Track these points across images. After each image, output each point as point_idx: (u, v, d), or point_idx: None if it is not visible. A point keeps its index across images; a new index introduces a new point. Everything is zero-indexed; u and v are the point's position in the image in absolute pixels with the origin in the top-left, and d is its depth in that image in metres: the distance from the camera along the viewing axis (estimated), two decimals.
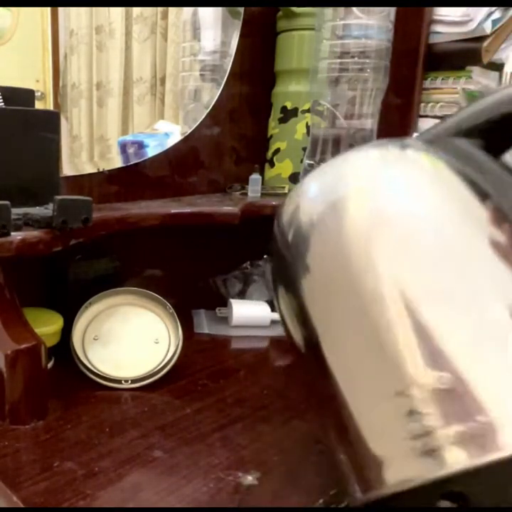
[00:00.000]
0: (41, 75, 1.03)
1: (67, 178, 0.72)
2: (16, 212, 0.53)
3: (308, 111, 0.86)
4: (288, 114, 0.88)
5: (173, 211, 0.70)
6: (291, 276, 0.37)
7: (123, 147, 0.92)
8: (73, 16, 1.05)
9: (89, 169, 1.05)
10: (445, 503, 0.26)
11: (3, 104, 0.59)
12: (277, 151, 0.90)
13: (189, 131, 0.85)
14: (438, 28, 0.81)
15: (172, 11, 1.03)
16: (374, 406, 0.29)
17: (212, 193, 0.88)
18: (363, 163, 0.34)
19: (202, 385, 0.61)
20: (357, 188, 0.33)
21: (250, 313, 0.80)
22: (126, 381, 0.59)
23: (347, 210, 0.32)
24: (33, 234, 0.53)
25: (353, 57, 0.73)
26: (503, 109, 0.33)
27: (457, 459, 0.25)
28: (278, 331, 0.78)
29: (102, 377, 0.59)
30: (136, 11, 1.04)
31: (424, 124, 0.87)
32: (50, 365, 0.60)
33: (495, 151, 0.34)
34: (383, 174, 0.33)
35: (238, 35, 0.87)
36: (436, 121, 0.86)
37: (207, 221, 0.72)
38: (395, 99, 0.85)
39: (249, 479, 0.44)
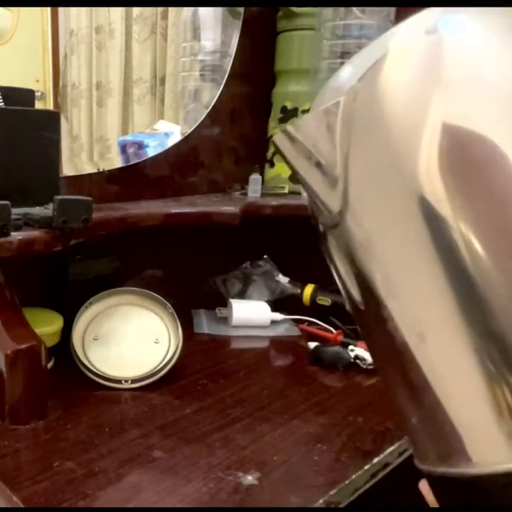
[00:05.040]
0: (41, 75, 1.03)
1: (67, 178, 0.72)
2: (16, 212, 0.53)
3: (308, 111, 0.86)
4: (288, 114, 0.88)
5: (173, 211, 0.70)
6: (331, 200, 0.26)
7: (123, 147, 0.92)
8: (73, 16, 1.05)
9: (89, 169, 1.05)
10: None
11: (3, 104, 0.59)
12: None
13: (189, 131, 0.85)
14: None
15: (172, 11, 1.03)
16: (455, 359, 0.23)
17: (212, 193, 0.88)
18: (410, 22, 0.25)
19: (202, 385, 0.61)
20: (400, 41, 0.24)
21: (250, 313, 0.80)
22: (126, 381, 0.59)
23: (390, 68, 0.24)
24: (33, 234, 0.53)
25: None
26: None
27: None
28: (278, 331, 0.78)
29: (102, 377, 0.59)
30: (136, 11, 1.03)
31: None
32: (50, 365, 0.60)
33: None
34: (439, 21, 0.24)
35: (238, 35, 0.87)
36: None
37: (207, 221, 0.72)
38: None
39: (249, 479, 0.44)
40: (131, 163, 0.81)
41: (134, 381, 0.59)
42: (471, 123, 0.21)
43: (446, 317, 0.22)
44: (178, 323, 0.63)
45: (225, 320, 0.81)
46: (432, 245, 0.22)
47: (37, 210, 0.56)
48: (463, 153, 0.21)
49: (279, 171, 0.90)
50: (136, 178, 0.79)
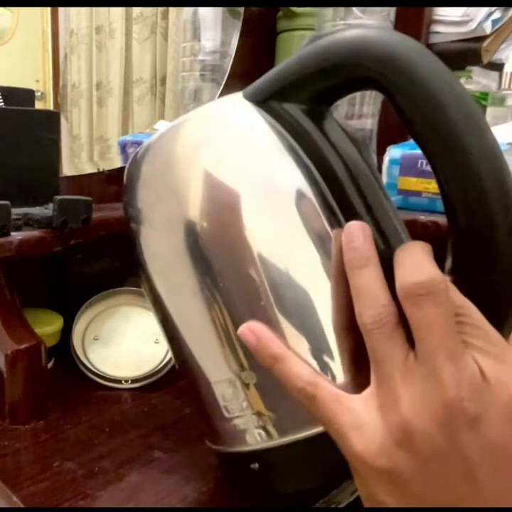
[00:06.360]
0: (41, 75, 1.03)
1: (67, 178, 0.72)
2: (16, 212, 0.53)
3: None
4: None
5: None
6: (134, 237, 0.42)
7: (123, 147, 0.92)
8: (73, 16, 1.05)
9: (89, 169, 1.05)
10: (255, 465, 0.35)
11: (3, 104, 0.59)
12: None
13: None
14: (438, 28, 0.81)
15: (172, 11, 1.03)
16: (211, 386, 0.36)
17: None
18: (200, 113, 0.38)
19: None
20: (190, 125, 0.37)
21: None
22: (126, 381, 0.59)
23: (177, 138, 0.37)
24: (33, 234, 0.53)
25: None
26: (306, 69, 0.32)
27: (256, 440, 0.35)
28: None
29: (102, 377, 0.59)
30: (136, 11, 1.03)
31: None
32: (50, 365, 0.60)
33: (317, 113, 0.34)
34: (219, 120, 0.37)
35: (238, 35, 0.87)
36: None
37: None
38: None
39: None
40: None
41: (134, 381, 0.59)
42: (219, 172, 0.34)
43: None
44: None
45: None
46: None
47: (37, 210, 0.56)
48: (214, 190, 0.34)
49: None
50: None
